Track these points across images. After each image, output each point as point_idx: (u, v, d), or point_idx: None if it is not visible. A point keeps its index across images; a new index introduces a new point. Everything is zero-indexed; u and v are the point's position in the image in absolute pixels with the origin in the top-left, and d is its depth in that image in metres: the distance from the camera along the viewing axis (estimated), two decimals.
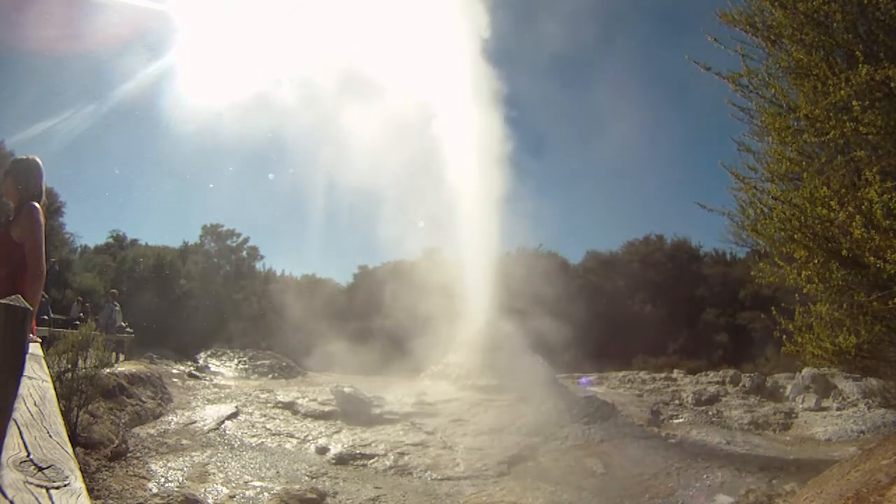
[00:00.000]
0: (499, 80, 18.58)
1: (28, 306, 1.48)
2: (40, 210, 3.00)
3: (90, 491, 5.21)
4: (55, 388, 2.11)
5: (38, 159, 3.20)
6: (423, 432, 10.12)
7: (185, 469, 7.65)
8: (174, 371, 13.62)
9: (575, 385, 14.87)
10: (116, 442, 7.69)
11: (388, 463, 8.79)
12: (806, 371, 12.91)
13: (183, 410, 10.48)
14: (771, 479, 8.09)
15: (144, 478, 7.11)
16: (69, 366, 7.37)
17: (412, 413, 11.02)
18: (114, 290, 14.14)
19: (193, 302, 20.17)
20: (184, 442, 8.75)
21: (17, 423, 1.15)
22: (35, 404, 1.37)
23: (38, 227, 2.92)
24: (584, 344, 16.83)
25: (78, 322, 11.90)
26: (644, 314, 22.16)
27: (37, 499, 0.83)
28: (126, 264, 23.68)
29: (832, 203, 4.13)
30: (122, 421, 8.62)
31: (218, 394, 12.19)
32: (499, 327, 15.79)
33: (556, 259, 25.20)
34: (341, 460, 8.86)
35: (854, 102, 3.87)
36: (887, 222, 3.77)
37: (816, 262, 4.41)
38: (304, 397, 11.81)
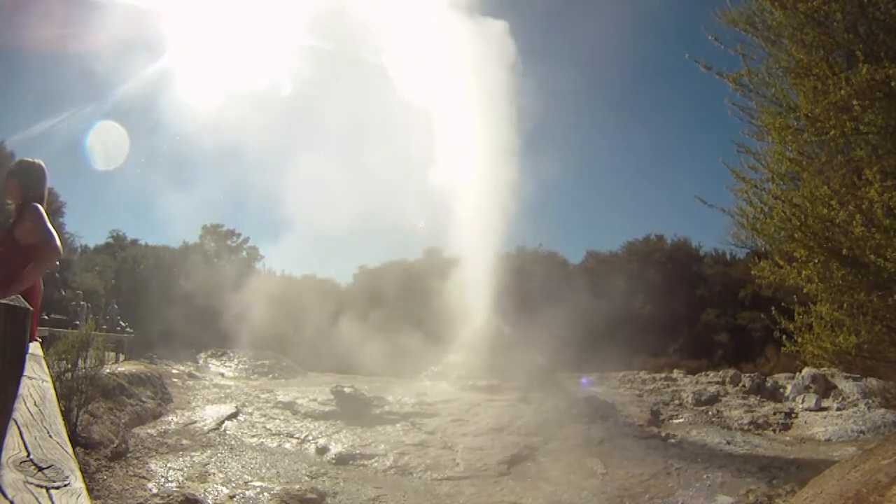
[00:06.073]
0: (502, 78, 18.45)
1: (28, 306, 1.48)
2: (43, 211, 3.02)
3: (90, 491, 5.20)
4: (55, 388, 2.11)
5: (42, 164, 3.21)
6: (424, 432, 10.12)
7: (185, 469, 7.65)
8: (174, 371, 13.61)
9: (575, 385, 14.85)
10: (116, 442, 7.69)
11: (388, 463, 8.79)
12: (806, 371, 12.90)
13: (183, 410, 10.48)
14: (771, 479, 8.09)
15: (144, 478, 7.11)
16: (69, 366, 7.37)
17: (412, 413, 11.02)
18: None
19: (193, 302, 20.16)
20: (184, 442, 8.75)
21: (17, 423, 1.15)
22: (35, 404, 1.37)
23: (44, 221, 2.96)
24: (585, 344, 16.80)
25: (78, 322, 11.91)
26: (644, 314, 22.14)
27: (37, 499, 0.83)
28: (126, 264, 23.68)
29: (832, 202, 4.13)
30: (122, 421, 8.61)
31: (218, 394, 12.19)
32: (498, 327, 15.78)
33: (556, 259, 25.21)
34: (341, 460, 8.86)
35: (854, 102, 3.87)
36: (888, 221, 3.77)
37: (817, 261, 4.41)
38: (304, 397, 11.80)
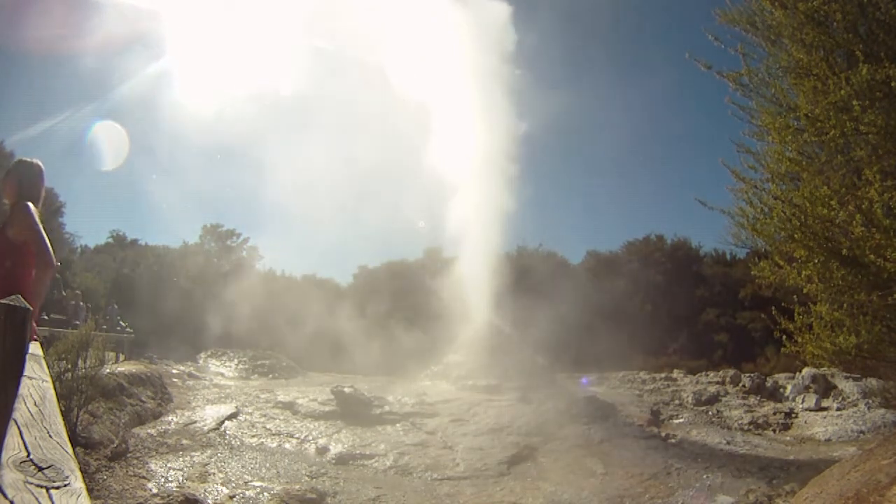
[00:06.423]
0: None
1: (28, 306, 1.48)
2: (33, 209, 3.01)
3: (90, 491, 5.21)
4: (55, 388, 2.11)
5: (41, 164, 3.21)
6: (424, 432, 10.12)
7: (185, 469, 7.65)
8: (174, 371, 13.61)
9: (575, 385, 14.85)
10: (116, 442, 7.69)
11: (388, 463, 8.79)
12: (806, 371, 12.90)
13: (183, 410, 10.48)
14: (771, 479, 8.09)
15: (144, 478, 7.11)
16: (69, 366, 7.36)
17: (412, 413, 11.02)
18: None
19: (193, 302, 20.17)
20: (184, 442, 8.75)
21: (17, 423, 1.15)
22: (35, 404, 1.36)
23: (35, 221, 2.93)
24: (585, 344, 16.81)
25: (78, 322, 11.92)
26: (644, 314, 22.15)
27: (37, 499, 0.83)
28: (126, 264, 23.70)
29: (832, 202, 4.13)
30: (122, 421, 8.61)
31: (218, 394, 12.19)
32: (498, 327, 15.78)
33: (556, 259, 25.22)
34: (341, 460, 8.86)
35: (854, 102, 3.87)
36: (887, 221, 3.77)
37: (816, 261, 4.41)
38: (304, 397, 11.80)
